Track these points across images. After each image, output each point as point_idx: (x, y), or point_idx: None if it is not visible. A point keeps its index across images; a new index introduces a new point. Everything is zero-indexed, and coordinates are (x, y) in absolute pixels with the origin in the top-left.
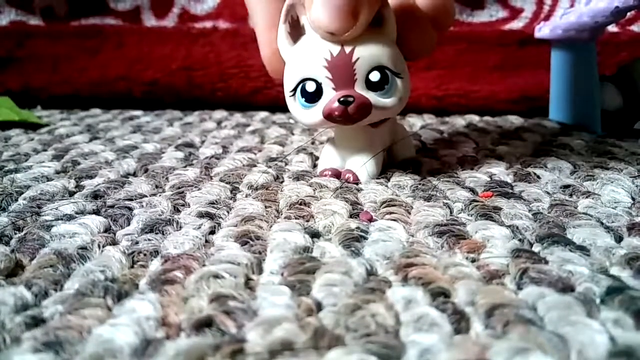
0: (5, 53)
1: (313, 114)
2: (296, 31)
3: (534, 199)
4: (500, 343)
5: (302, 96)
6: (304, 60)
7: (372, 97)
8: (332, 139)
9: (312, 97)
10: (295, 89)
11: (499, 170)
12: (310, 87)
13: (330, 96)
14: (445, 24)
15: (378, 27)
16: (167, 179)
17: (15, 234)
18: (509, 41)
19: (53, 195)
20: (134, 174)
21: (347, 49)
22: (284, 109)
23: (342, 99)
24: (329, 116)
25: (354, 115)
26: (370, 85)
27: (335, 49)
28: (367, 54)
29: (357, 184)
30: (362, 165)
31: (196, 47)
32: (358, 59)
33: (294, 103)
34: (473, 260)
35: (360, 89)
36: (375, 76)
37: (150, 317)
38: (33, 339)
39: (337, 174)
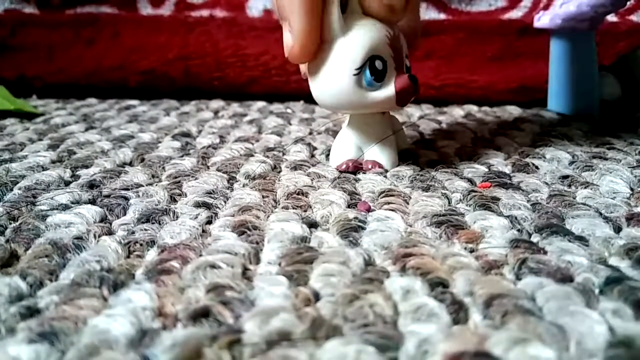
0: (0, 42)
1: (378, 93)
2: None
3: (532, 190)
4: (499, 333)
5: (372, 74)
6: (370, 38)
7: None
8: (344, 130)
9: (381, 76)
10: (361, 68)
11: (498, 161)
12: (380, 65)
13: (393, 75)
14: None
15: None
16: (163, 168)
17: (10, 223)
18: (508, 31)
19: (48, 185)
20: (130, 164)
21: (396, 32)
22: (281, 99)
23: (411, 77)
24: (401, 91)
25: (416, 93)
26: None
27: (390, 30)
28: (403, 41)
29: (385, 171)
30: (378, 147)
31: (193, 36)
32: (403, 43)
33: (354, 84)
34: (471, 251)
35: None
36: (408, 62)
37: (146, 308)
38: (28, 330)
39: (358, 166)
